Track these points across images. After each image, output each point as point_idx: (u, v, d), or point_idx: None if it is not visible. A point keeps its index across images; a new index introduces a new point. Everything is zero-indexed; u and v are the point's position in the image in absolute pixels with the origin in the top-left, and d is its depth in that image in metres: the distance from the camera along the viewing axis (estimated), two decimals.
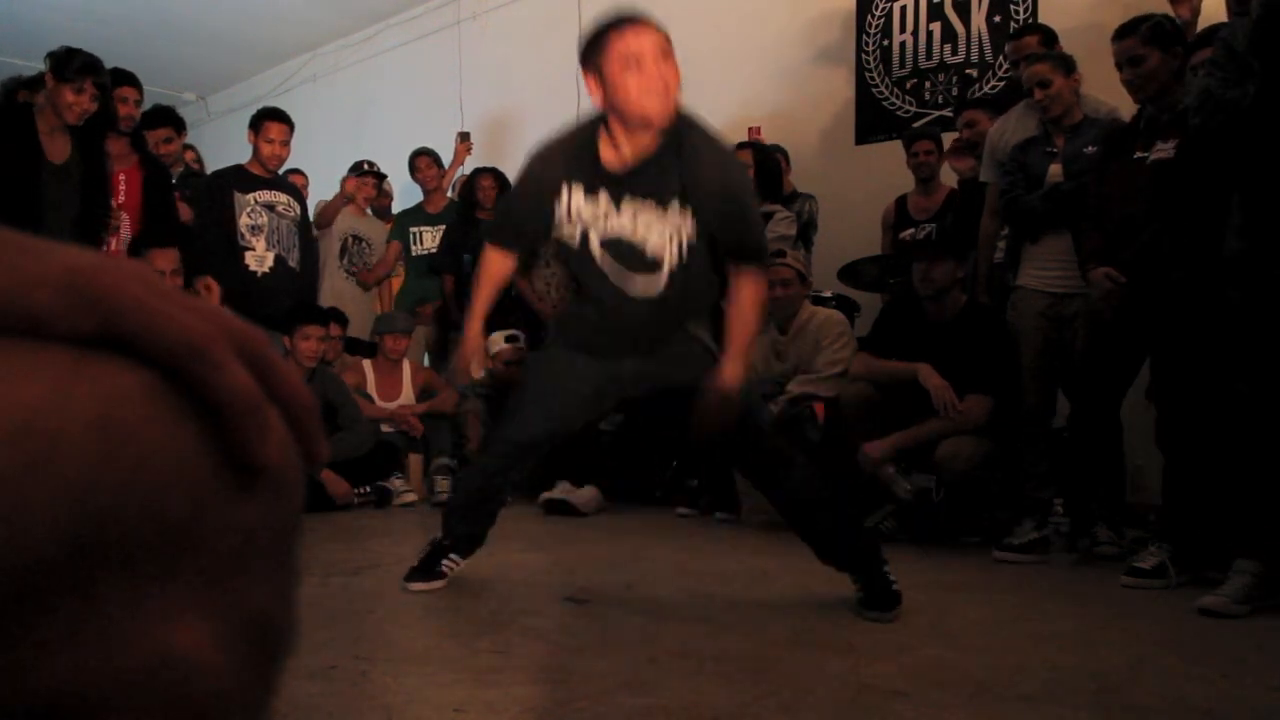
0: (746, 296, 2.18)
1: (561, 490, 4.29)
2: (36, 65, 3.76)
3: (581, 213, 2.20)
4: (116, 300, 0.27)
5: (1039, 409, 3.35)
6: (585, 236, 2.22)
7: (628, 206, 2.16)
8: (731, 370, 2.15)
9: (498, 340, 4.89)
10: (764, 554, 3.19)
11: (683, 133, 2.13)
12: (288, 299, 4.28)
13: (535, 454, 2.45)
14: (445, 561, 2.52)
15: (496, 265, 2.43)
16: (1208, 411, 2.71)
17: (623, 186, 2.16)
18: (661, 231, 2.15)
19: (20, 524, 0.23)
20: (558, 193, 2.22)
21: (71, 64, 3.52)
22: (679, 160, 2.12)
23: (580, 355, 2.33)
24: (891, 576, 2.29)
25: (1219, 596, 2.37)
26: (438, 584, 2.49)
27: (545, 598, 2.45)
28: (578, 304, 2.39)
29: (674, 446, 4.65)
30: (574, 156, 2.21)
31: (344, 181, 5.61)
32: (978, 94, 4.94)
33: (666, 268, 2.18)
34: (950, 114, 5.00)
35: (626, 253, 2.19)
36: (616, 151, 2.15)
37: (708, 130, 2.17)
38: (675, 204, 2.13)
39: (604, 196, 2.18)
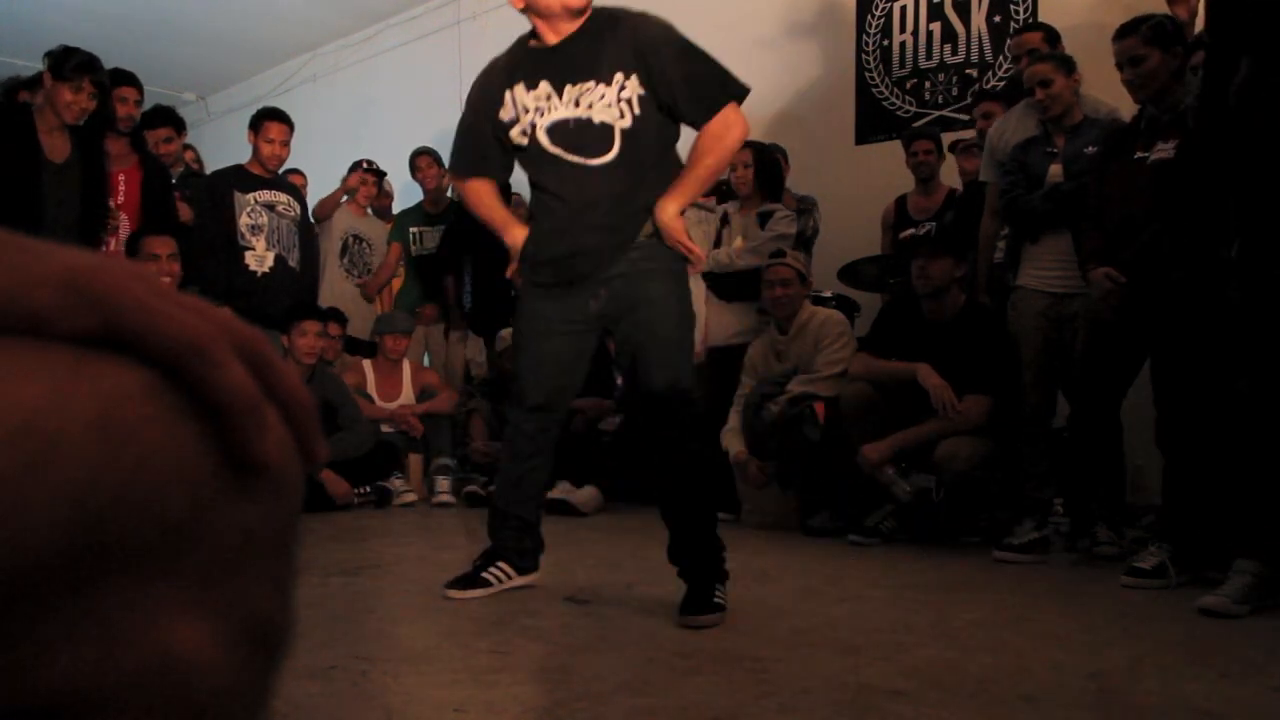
0: (710, 132, 2.17)
1: (561, 490, 4.29)
2: (36, 65, 3.75)
3: (526, 104, 2.22)
4: (117, 300, 0.27)
5: (1039, 409, 3.35)
6: (534, 129, 2.23)
7: (569, 92, 2.19)
8: (669, 201, 2.19)
9: (506, 337, 4.90)
10: (764, 554, 3.19)
11: (609, 13, 2.20)
12: (288, 299, 4.28)
13: (550, 420, 2.41)
14: (492, 569, 2.45)
15: (478, 188, 2.44)
16: (1208, 411, 2.71)
17: (560, 73, 2.19)
18: (607, 100, 2.16)
19: (20, 524, 0.23)
20: (502, 103, 2.26)
21: (69, 63, 3.52)
22: (615, 37, 2.16)
23: (550, 303, 2.31)
24: (720, 599, 2.21)
25: (1219, 596, 2.37)
26: (478, 592, 2.40)
27: (545, 598, 2.44)
28: (540, 219, 2.34)
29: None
30: (509, 64, 2.28)
31: (346, 178, 5.61)
32: (978, 94, 4.94)
33: (618, 131, 2.18)
34: (951, 114, 5.01)
35: (576, 131, 2.19)
36: (545, 40, 2.22)
37: (634, 9, 2.23)
38: (619, 75, 2.15)
39: (544, 85, 2.21)
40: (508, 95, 2.25)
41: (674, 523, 2.30)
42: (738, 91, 2.19)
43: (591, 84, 2.17)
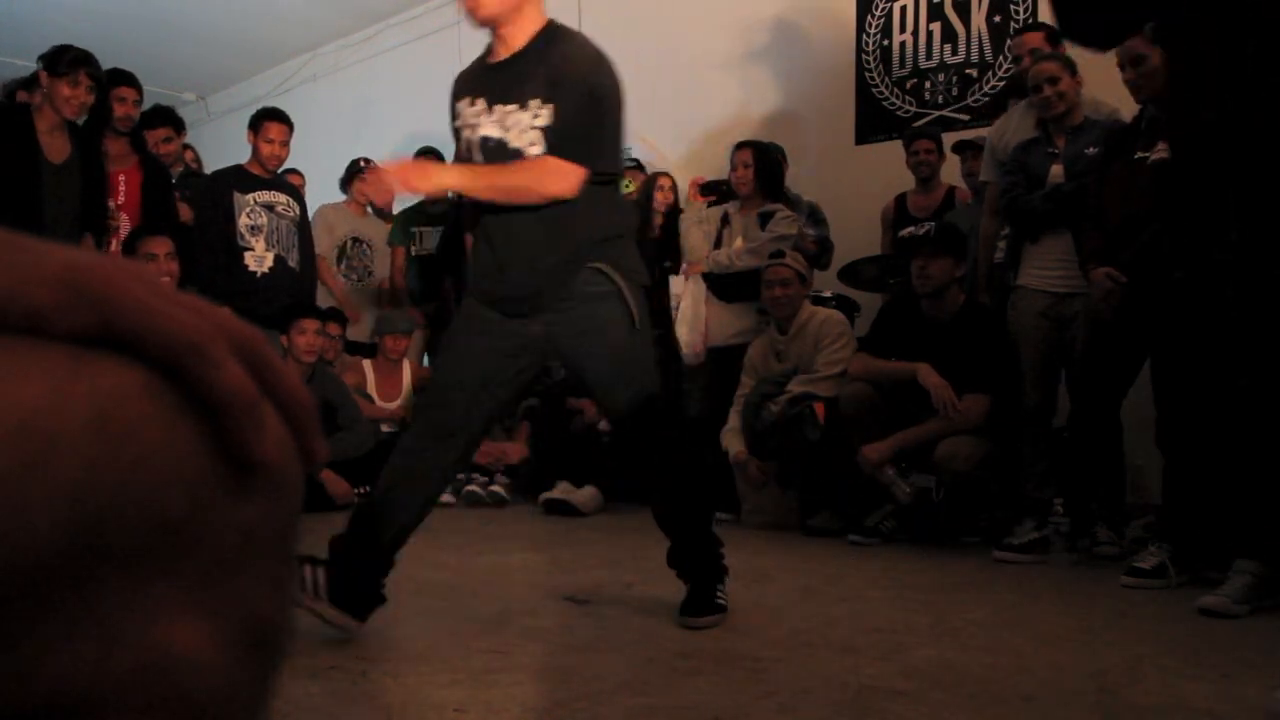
0: (544, 160, 2.06)
1: (561, 490, 4.29)
2: (36, 65, 3.76)
3: (466, 118, 2.18)
4: (116, 298, 0.27)
5: (1039, 409, 3.35)
6: (470, 146, 2.18)
7: (499, 109, 2.13)
8: (448, 170, 2.10)
9: None
10: (764, 554, 3.19)
11: (554, 35, 2.13)
12: (287, 299, 4.28)
13: (440, 440, 2.13)
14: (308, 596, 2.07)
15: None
16: (1208, 411, 2.71)
17: (495, 88, 2.15)
18: (522, 126, 2.10)
19: (19, 524, 0.23)
20: (454, 113, 2.22)
21: (64, 58, 3.53)
22: (545, 62, 2.10)
23: (493, 313, 2.17)
24: (721, 599, 2.20)
25: (1219, 596, 2.37)
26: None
27: (545, 598, 2.44)
28: (480, 245, 2.24)
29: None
30: (464, 75, 2.24)
31: (351, 185, 5.60)
32: (978, 94, 4.94)
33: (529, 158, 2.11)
34: (951, 114, 5.01)
35: (497, 152, 2.13)
36: (494, 55, 2.19)
37: (584, 38, 2.15)
38: (535, 102, 2.09)
39: (481, 101, 2.16)
40: (457, 106, 2.21)
41: (669, 528, 2.27)
42: (595, 164, 2.08)
43: (514, 107, 2.11)
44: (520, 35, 2.13)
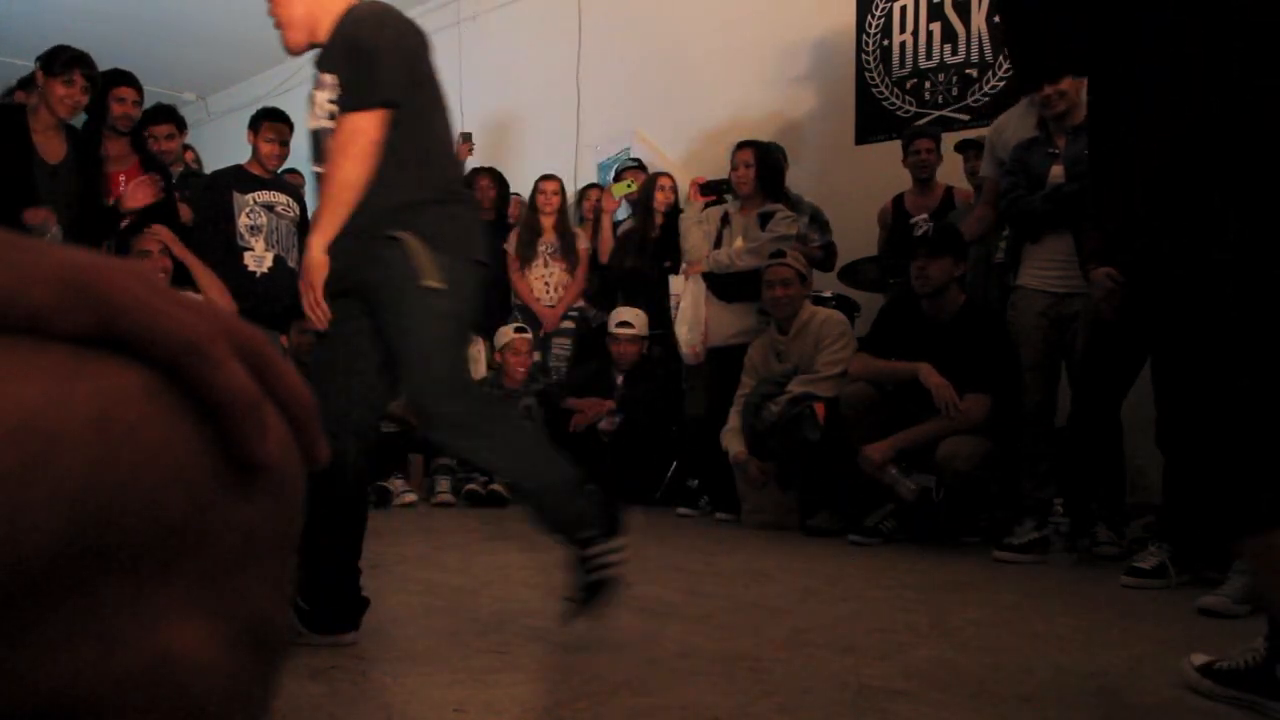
0: (335, 144, 1.99)
1: None
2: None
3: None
4: (116, 298, 0.27)
5: (1040, 408, 3.36)
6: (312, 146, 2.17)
7: (313, 100, 2.12)
8: (313, 237, 2.02)
9: (506, 332, 4.91)
10: (764, 554, 3.19)
11: (341, 19, 2.08)
12: (287, 299, 4.28)
13: (345, 424, 2.04)
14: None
15: None
16: (1208, 411, 2.71)
17: (312, 84, 2.15)
18: (324, 105, 2.07)
19: (19, 524, 0.23)
20: None
21: (59, 58, 3.54)
22: (331, 42, 2.08)
23: (329, 296, 2.08)
24: (595, 555, 2.00)
25: (1219, 596, 2.37)
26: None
27: (545, 598, 2.44)
28: None
29: (674, 446, 4.66)
30: None
31: None
32: (978, 94, 4.94)
33: (326, 136, 2.08)
34: (951, 114, 5.01)
35: (315, 142, 2.13)
36: None
37: (363, 4, 2.09)
38: (324, 77, 2.07)
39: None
40: None
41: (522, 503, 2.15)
42: (379, 99, 2.00)
43: (316, 93, 2.09)
44: (324, 34, 2.10)
